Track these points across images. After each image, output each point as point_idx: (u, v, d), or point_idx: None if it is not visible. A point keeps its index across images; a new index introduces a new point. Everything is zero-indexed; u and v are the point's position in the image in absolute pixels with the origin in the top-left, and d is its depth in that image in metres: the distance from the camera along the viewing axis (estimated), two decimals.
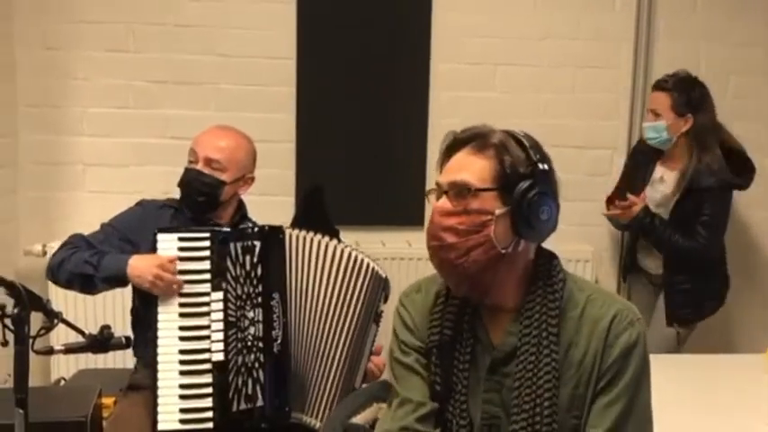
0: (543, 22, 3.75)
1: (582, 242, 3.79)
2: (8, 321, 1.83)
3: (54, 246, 3.46)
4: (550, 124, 3.74)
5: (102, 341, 2.07)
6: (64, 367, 3.43)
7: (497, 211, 1.50)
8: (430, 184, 3.75)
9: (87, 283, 2.41)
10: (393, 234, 3.73)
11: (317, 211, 3.58)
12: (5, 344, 1.84)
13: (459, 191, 1.52)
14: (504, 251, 1.51)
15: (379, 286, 2.29)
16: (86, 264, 2.39)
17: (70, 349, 2.03)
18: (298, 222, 3.56)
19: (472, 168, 1.52)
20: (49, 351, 2.04)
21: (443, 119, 3.67)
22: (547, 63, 3.77)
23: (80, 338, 2.08)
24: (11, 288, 1.82)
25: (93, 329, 2.10)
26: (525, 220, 1.50)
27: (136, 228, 2.52)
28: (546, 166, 1.53)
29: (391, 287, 2.34)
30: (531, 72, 3.77)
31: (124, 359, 2.95)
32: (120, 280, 2.38)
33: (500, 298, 1.57)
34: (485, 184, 1.51)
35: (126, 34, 3.56)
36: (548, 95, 3.79)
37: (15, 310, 1.81)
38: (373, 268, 2.28)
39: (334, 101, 3.68)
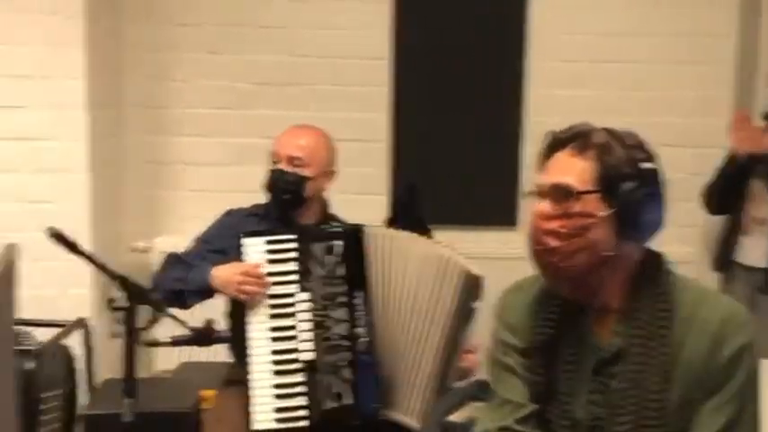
0: (642, 18, 3.67)
1: (681, 243, 3.68)
2: (117, 314, 1.92)
3: (157, 242, 3.60)
4: (649, 122, 3.60)
5: (206, 334, 2.13)
6: (165, 359, 3.54)
7: (600, 214, 1.46)
8: (524, 183, 3.73)
9: (180, 300, 2.46)
10: (487, 234, 3.72)
11: (411, 210, 3.59)
12: (115, 335, 1.92)
13: (561, 193, 1.48)
14: (608, 254, 1.47)
15: (470, 284, 2.26)
16: (176, 281, 2.45)
17: (177, 342, 2.09)
18: (391, 222, 3.58)
19: (573, 170, 1.48)
20: (156, 343, 2.11)
21: (539, 117, 3.64)
22: (645, 59, 3.69)
23: (184, 331, 2.15)
24: (122, 282, 1.90)
25: (194, 323, 2.16)
26: (629, 222, 1.46)
27: (225, 236, 2.56)
28: (651, 166, 1.48)
29: (485, 286, 2.32)
30: (629, 69, 3.70)
31: (223, 353, 3.01)
32: (207, 291, 2.43)
33: (605, 299, 1.54)
34: (587, 186, 1.47)
35: (226, 37, 3.66)
36: (646, 93, 3.71)
37: (125, 304, 1.89)
38: (464, 265, 2.25)
39: (428, 100, 3.69)
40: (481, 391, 1.66)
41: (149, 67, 3.67)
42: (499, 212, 3.68)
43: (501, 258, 3.57)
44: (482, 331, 2.11)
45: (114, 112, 3.59)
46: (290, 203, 2.58)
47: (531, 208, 1.54)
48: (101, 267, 1.96)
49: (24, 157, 3.24)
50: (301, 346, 2.27)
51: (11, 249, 1.81)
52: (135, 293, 1.90)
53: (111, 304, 1.96)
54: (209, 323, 2.15)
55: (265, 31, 3.66)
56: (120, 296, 1.92)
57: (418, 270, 2.27)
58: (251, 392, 2.26)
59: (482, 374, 2.11)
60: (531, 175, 3.56)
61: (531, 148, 3.61)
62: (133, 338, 1.90)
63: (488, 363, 1.69)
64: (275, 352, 2.28)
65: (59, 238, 1.90)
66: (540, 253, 1.51)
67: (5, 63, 3.20)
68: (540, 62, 3.68)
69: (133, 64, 3.65)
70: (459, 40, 3.67)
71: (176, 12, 3.65)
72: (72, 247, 1.91)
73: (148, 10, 3.64)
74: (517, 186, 3.69)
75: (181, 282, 2.45)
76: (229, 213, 2.70)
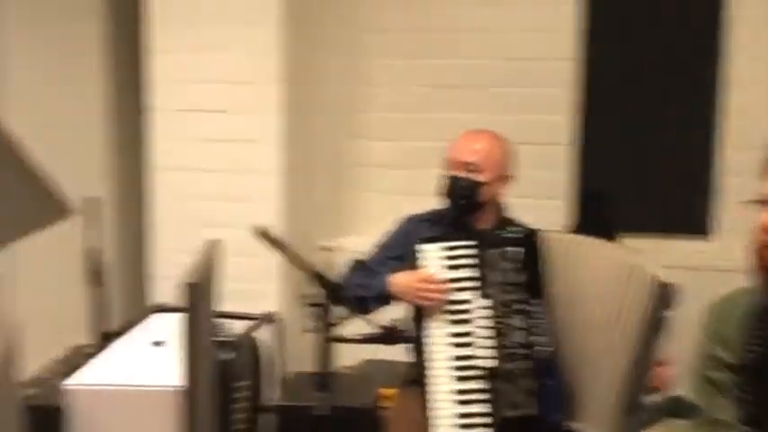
0: None
1: None
2: (312, 310, 1.99)
3: (345, 242, 3.71)
4: None
5: (392, 333, 2.18)
6: (345, 356, 3.62)
7: None
8: (719, 191, 3.54)
9: (362, 305, 2.50)
10: (677, 243, 3.54)
11: (597, 216, 3.50)
12: (308, 330, 1.99)
13: None
14: None
15: (662, 292, 2.17)
16: (358, 287, 2.49)
17: (366, 339, 2.15)
18: (577, 228, 3.51)
19: None
20: (344, 339, 2.18)
21: (739, 121, 3.41)
22: None
23: (371, 329, 2.20)
24: (320, 279, 1.97)
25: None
26: None
27: (402, 243, 2.59)
28: None
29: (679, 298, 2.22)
30: None
31: (401, 352, 3.05)
32: (386, 298, 2.46)
33: None
34: None
35: (414, 42, 3.71)
36: None
37: (322, 300, 1.96)
38: (654, 272, 2.17)
39: (616, 102, 3.57)
40: (678, 408, 1.58)
41: (340, 72, 3.77)
42: (691, 221, 3.50)
43: (692, 269, 3.39)
44: (677, 343, 2.02)
45: (308, 116, 3.72)
46: (465, 209, 2.57)
47: (755, 219, 1.44)
48: (302, 265, 2.04)
49: (225, 157, 3.42)
50: (479, 352, 2.26)
51: (213, 245, 1.92)
52: (332, 291, 1.96)
53: (306, 300, 2.04)
54: (394, 323, 2.19)
55: (452, 35, 3.67)
56: (315, 292, 1.99)
57: (603, 276, 2.20)
58: (432, 397, 2.28)
59: (678, 389, 2.02)
60: (730, 182, 3.39)
61: (731, 153, 3.41)
62: (328, 334, 1.96)
63: (693, 378, 1.61)
64: (455, 358, 2.29)
65: (265, 235, 1.99)
66: (766, 269, 1.42)
67: (209, 70, 3.39)
68: (741, 63, 3.46)
69: (326, 70, 3.77)
70: (652, 40, 3.53)
71: (366, 18, 3.74)
72: (277, 244, 2.00)
73: (341, 17, 3.75)
74: (710, 194, 3.50)
75: (363, 288, 2.50)
76: (407, 219, 2.74)
